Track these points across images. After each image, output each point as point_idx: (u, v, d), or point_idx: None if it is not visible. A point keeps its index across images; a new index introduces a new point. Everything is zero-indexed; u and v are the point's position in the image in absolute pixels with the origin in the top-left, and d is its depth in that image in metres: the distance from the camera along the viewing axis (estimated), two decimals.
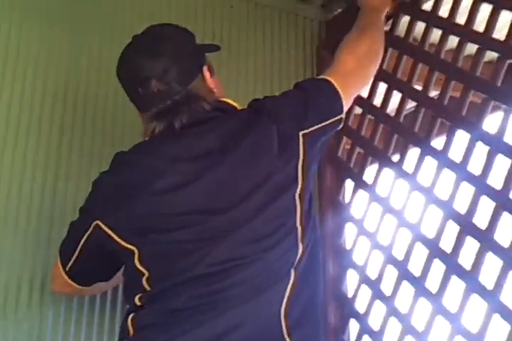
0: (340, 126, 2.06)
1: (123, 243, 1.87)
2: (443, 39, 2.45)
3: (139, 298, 1.84)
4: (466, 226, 2.15)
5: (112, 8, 2.72)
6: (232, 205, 1.85)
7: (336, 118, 2.02)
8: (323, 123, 1.99)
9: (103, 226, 1.90)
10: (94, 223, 1.91)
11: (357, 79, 2.17)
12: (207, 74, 2.03)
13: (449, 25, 2.43)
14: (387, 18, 2.57)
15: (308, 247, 1.91)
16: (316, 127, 1.96)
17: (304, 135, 1.93)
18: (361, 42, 2.24)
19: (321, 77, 2.10)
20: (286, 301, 1.81)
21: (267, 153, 1.90)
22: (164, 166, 1.90)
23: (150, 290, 1.83)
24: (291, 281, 1.84)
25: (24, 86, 2.48)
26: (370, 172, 2.61)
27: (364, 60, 2.20)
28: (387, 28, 2.62)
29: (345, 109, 2.06)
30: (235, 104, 2.04)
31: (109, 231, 1.89)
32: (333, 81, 2.05)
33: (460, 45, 2.37)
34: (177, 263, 1.83)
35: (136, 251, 1.86)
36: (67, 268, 2.01)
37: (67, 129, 2.51)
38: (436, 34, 2.50)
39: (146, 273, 1.84)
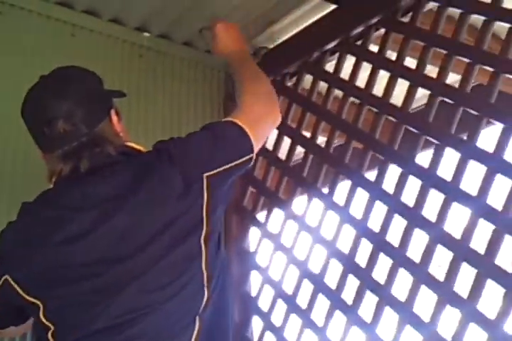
0: (250, 164, 1.98)
1: (27, 297, 1.83)
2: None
3: None
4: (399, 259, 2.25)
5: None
6: (133, 253, 1.81)
7: (245, 158, 1.94)
8: (230, 165, 1.92)
9: (11, 280, 1.85)
10: (4, 277, 1.87)
11: (265, 119, 2.09)
12: (114, 117, 1.98)
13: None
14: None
15: (215, 293, 1.87)
16: (222, 168, 1.90)
17: (207, 177, 1.87)
18: (256, 84, 2.20)
19: (227, 119, 2.02)
20: None
21: (169, 197, 1.84)
22: (65, 216, 1.86)
23: None
24: (195, 330, 1.80)
25: None
26: (275, 221, 2.70)
27: (265, 98, 2.15)
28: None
29: (256, 148, 1.98)
30: (140, 147, 2.00)
31: (16, 286, 1.84)
32: (239, 122, 1.97)
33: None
34: (80, 316, 1.78)
35: (40, 305, 1.81)
36: None
37: None
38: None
39: (52, 328, 1.80)
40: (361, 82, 2.55)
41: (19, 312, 1.95)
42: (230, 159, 1.92)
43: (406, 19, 2.43)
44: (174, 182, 1.84)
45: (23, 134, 2.04)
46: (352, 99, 2.57)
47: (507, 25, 2.11)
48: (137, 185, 1.85)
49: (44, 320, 1.81)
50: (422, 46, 2.33)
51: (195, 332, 1.79)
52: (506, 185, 1.96)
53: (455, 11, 2.31)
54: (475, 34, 2.24)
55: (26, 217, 1.93)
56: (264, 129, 2.06)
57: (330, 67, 2.71)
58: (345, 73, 2.63)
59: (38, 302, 1.81)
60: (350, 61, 2.63)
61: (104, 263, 1.80)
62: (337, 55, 2.67)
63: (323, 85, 2.72)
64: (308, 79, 2.80)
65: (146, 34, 3.13)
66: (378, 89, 2.48)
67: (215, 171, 1.88)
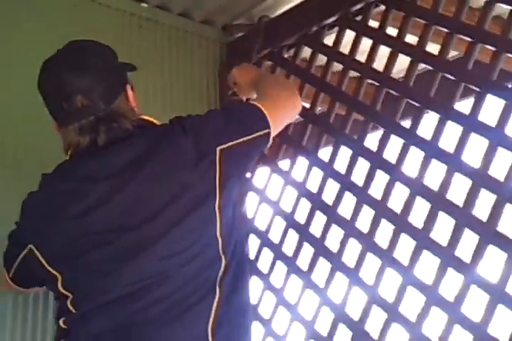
0: (269, 141, 2.05)
1: (49, 268, 1.93)
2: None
3: (64, 321, 1.90)
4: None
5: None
6: (145, 221, 1.86)
7: (260, 133, 2.00)
8: (243, 138, 1.97)
9: (35, 250, 1.95)
10: (29, 246, 1.97)
11: (283, 102, 2.16)
12: (130, 92, 2.04)
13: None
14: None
15: (234, 261, 1.93)
16: (235, 142, 1.95)
17: (221, 150, 1.92)
18: (276, 79, 2.39)
19: (250, 102, 2.12)
20: (212, 320, 1.82)
21: (181, 166, 1.90)
22: (81, 188, 1.93)
23: (74, 313, 1.88)
24: (216, 299, 1.85)
25: None
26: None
27: (284, 85, 2.30)
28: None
29: (274, 127, 2.03)
30: (154, 120, 2.07)
31: (40, 257, 1.95)
32: (258, 104, 2.05)
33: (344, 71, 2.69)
34: (96, 284, 1.85)
35: (58, 276, 1.91)
36: (10, 275, 2.11)
37: None
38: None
39: (70, 296, 1.88)
40: (360, 56, 2.67)
41: (42, 276, 2.02)
42: (244, 133, 1.98)
43: None
44: (186, 151, 1.91)
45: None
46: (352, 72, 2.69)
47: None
48: (151, 155, 1.92)
49: (62, 290, 1.91)
50: (422, 24, 2.45)
51: (216, 300, 1.85)
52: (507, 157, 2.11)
53: None
54: (476, 15, 2.40)
55: (45, 189, 2.02)
56: (282, 112, 2.13)
57: (328, 40, 2.83)
58: (343, 47, 2.75)
59: (57, 274, 1.92)
60: (348, 36, 2.75)
61: (116, 231, 1.87)
62: (336, 29, 2.78)
63: (321, 58, 2.84)
64: (306, 51, 2.91)
65: (144, 5, 3.21)
66: (378, 65, 2.61)
67: (228, 144, 1.94)
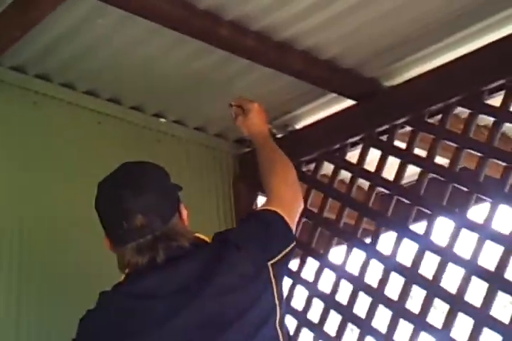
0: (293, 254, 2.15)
1: None
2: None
3: None
4: None
5: None
6: (214, 338, 1.89)
7: (291, 245, 2.11)
8: (284, 252, 2.06)
9: None
10: None
11: (296, 206, 2.29)
12: (184, 212, 2.10)
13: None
14: None
15: None
16: (279, 256, 2.04)
17: (272, 265, 2.00)
18: (284, 170, 2.42)
19: (269, 207, 2.20)
20: None
21: (243, 285, 1.95)
22: (140, 306, 1.95)
23: None
24: None
25: None
26: None
27: (294, 186, 2.37)
28: None
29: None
30: (206, 238, 2.10)
31: None
32: (280, 211, 2.15)
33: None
34: None
35: None
36: None
37: None
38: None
39: None
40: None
41: None
42: (283, 247, 2.08)
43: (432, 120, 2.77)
44: (246, 268, 1.97)
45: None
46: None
47: None
48: (209, 274, 1.95)
49: None
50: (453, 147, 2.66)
51: None
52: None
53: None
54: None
55: (104, 307, 2.02)
56: (295, 216, 2.26)
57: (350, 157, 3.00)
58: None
59: None
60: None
61: None
62: (360, 146, 2.96)
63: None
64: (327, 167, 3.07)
65: (163, 120, 3.34)
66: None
67: (276, 259, 2.03)
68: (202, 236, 2.12)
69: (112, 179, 2.09)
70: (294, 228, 2.18)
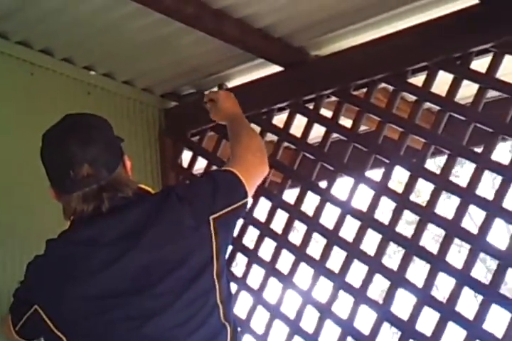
0: (245, 210, 2.28)
1: (54, 330, 2.03)
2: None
3: None
4: None
5: None
6: (149, 288, 1.99)
7: (241, 202, 2.19)
8: (230, 208, 2.15)
9: (41, 312, 2.05)
10: (34, 306, 2.06)
11: (257, 170, 2.39)
12: (128, 163, 2.19)
13: None
14: None
15: (235, 328, 2.10)
16: (224, 211, 2.12)
17: (214, 219, 2.09)
18: (249, 139, 2.52)
19: (224, 168, 2.31)
20: None
21: (181, 235, 2.06)
22: (83, 252, 2.04)
23: None
24: None
25: None
26: None
27: (257, 152, 2.46)
28: None
29: (250, 193, 2.25)
30: (149, 189, 2.21)
31: (46, 318, 2.04)
32: (235, 171, 2.25)
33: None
34: None
35: (64, 338, 2.02)
36: (16, 328, 2.19)
37: None
38: None
39: None
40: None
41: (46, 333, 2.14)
42: (229, 203, 2.17)
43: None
44: (186, 220, 2.07)
45: None
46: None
47: None
48: (152, 222, 2.06)
49: None
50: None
51: None
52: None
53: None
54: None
55: (50, 253, 2.12)
56: (255, 177, 2.35)
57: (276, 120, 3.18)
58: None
59: (62, 336, 2.03)
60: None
61: (121, 297, 1.99)
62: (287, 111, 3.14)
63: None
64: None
65: (93, 72, 3.42)
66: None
67: (219, 213, 2.12)
68: (145, 187, 2.22)
69: (58, 130, 2.15)
70: (251, 189, 2.26)
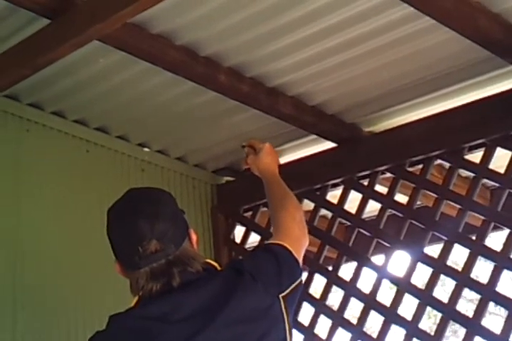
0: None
1: None
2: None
3: None
4: None
5: None
6: None
7: (300, 279, 2.15)
8: (292, 286, 2.10)
9: None
10: None
11: (302, 242, 2.35)
12: (193, 236, 2.13)
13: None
14: None
15: None
16: (289, 289, 2.08)
17: (283, 297, 2.04)
18: (293, 207, 2.46)
19: (277, 242, 2.25)
20: None
21: (256, 317, 1.99)
22: (154, 328, 1.96)
23: None
24: None
25: None
26: None
27: (301, 222, 2.42)
28: None
29: None
30: (216, 264, 2.15)
31: None
32: (288, 246, 2.20)
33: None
34: None
35: None
36: None
37: None
38: None
39: None
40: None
41: None
42: (292, 280, 2.12)
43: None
44: (260, 301, 2.02)
45: None
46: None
47: None
48: (225, 302, 1.98)
49: None
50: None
51: None
52: None
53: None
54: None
55: (114, 328, 2.03)
56: (301, 251, 2.30)
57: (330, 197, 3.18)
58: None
59: None
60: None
61: None
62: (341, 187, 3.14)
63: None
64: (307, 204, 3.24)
65: (146, 149, 3.47)
66: None
67: (286, 292, 2.06)
68: (211, 262, 2.17)
69: (124, 205, 2.13)
70: (300, 263, 2.22)
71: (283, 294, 2.05)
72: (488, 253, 2.71)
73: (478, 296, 2.71)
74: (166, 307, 1.99)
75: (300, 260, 2.22)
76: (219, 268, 2.15)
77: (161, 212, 2.06)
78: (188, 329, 1.95)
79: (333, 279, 3.09)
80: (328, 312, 3.08)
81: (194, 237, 2.14)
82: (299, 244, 2.31)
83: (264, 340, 1.98)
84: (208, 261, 2.14)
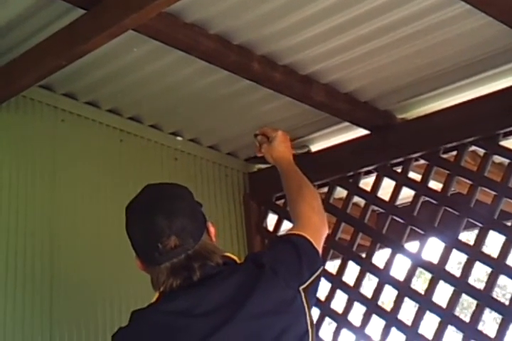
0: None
1: None
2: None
3: None
4: None
5: None
6: None
7: (320, 269, 2.15)
8: (313, 276, 2.10)
9: None
10: None
11: (322, 231, 2.34)
12: (212, 229, 2.14)
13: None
14: None
15: None
16: (310, 280, 2.08)
17: (303, 289, 2.04)
18: (311, 196, 2.45)
19: (297, 232, 2.24)
20: None
21: (278, 310, 1.99)
22: (177, 323, 1.97)
23: None
24: None
25: None
26: None
27: (320, 212, 2.42)
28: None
29: None
30: (235, 257, 2.15)
31: None
32: (308, 236, 2.20)
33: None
34: None
35: None
36: None
37: None
38: None
39: None
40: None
41: None
42: (313, 272, 2.12)
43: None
44: (281, 294, 2.01)
45: None
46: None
47: None
48: (247, 295, 1.99)
49: None
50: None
51: None
52: None
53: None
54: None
55: (137, 323, 2.04)
56: (321, 241, 2.30)
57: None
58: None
59: None
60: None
61: None
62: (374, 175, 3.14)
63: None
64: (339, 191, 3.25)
65: (179, 138, 3.49)
66: None
67: (306, 284, 2.06)
68: (231, 255, 2.17)
69: (142, 202, 2.13)
70: (320, 252, 2.21)
71: (303, 286, 2.06)
72: None
73: None
74: (189, 301, 2.00)
75: (320, 250, 2.22)
76: (238, 261, 2.15)
77: (178, 208, 2.07)
78: (212, 323, 1.96)
79: (367, 266, 3.10)
80: (362, 299, 3.08)
81: (212, 230, 2.14)
82: (319, 234, 2.30)
83: (286, 334, 1.98)
84: (228, 254, 2.14)
